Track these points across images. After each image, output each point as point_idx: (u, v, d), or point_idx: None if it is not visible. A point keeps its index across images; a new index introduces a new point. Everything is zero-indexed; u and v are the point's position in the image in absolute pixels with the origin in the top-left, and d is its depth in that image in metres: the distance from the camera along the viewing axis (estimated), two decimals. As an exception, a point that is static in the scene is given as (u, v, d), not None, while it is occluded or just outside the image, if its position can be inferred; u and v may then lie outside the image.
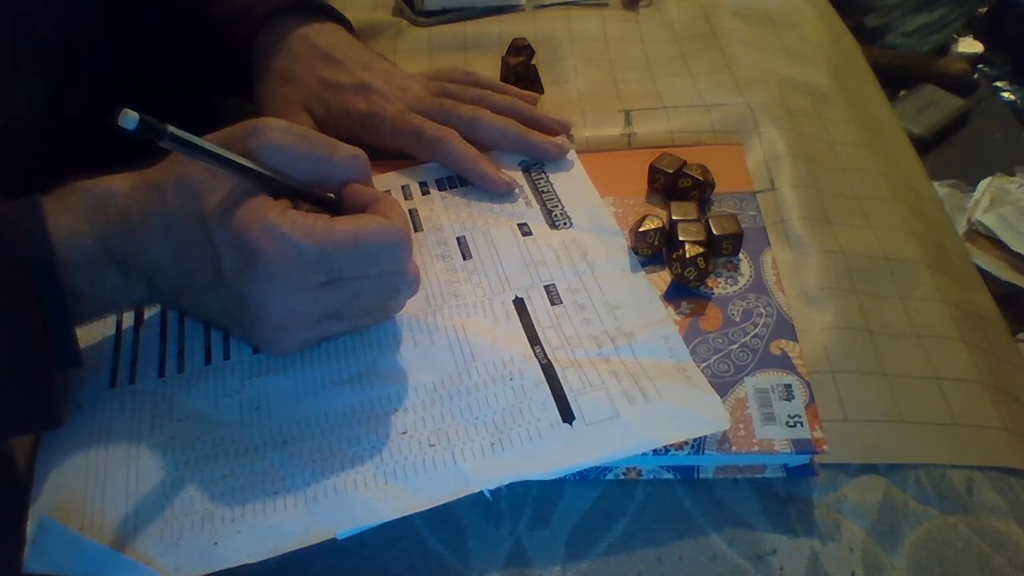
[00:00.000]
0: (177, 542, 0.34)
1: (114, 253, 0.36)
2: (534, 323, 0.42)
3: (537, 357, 0.40)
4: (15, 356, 0.34)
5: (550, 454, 0.37)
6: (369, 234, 0.36)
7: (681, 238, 0.44)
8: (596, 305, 0.43)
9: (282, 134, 0.37)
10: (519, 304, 0.43)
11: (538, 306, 0.43)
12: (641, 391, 0.38)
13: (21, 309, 0.34)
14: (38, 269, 0.34)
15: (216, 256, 0.35)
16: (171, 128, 0.31)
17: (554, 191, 0.50)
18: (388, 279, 0.39)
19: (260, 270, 0.35)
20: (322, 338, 0.41)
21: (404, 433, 0.38)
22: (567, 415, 0.38)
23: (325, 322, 0.39)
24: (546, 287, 0.44)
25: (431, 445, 0.37)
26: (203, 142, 0.33)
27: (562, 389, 0.39)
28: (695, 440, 0.38)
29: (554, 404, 0.38)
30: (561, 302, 0.43)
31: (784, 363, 0.41)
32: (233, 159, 0.35)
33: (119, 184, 0.37)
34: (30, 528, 0.35)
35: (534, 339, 0.41)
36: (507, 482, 0.36)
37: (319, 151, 0.38)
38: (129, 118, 0.29)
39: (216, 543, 0.34)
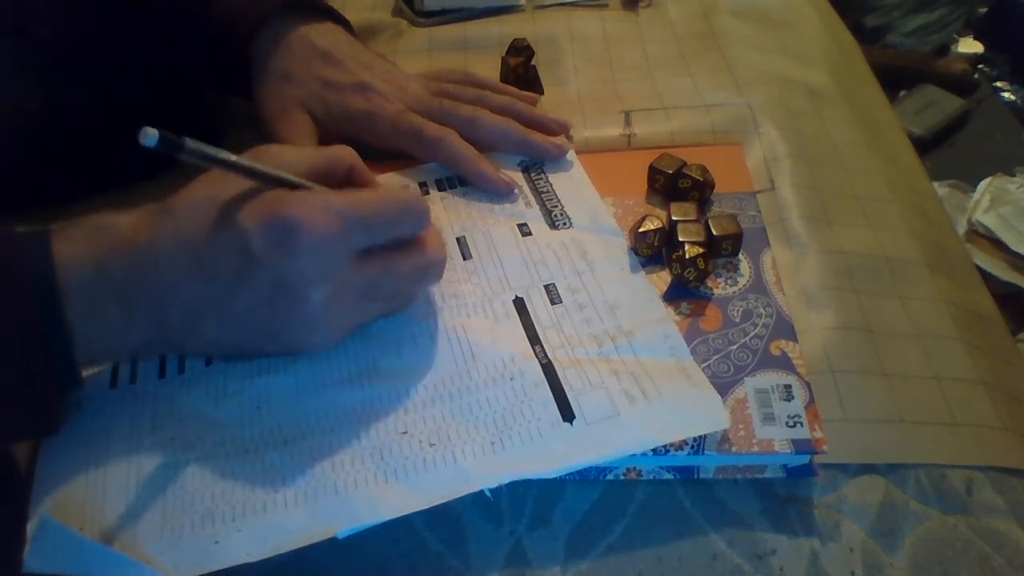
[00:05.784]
0: (178, 541, 0.34)
1: (114, 281, 0.35)
2: (534, 323, 0.42)
3: (537, 357, 0.40)
4: (14, 376, 0.34)
5: (550, 453, 0.37)
6: (391, 193, 0.39)
7: (681, 239, 0.44)
8: (596, 304, 0.43)
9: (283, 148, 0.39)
10: (519, 304, 0.43)
11: (538, 306, 0.43)
12: (641, 390, 0.38)
13: (21, 330, 0.33)
14: (40, 296, 0.34)
15: (244, 241, 0.35)
16: (188, 141, 0.32)
17: (553, 191, 0.50)
18: (417, 257, 0.40)
19: (300, 240, 0.34)
20: (357, 325, 0.40)
21: (404, 432, 0.38)
22: (567, 414, 0.38)
23: (363, 303, 0.39)
24: (546, 287, 0.44)
25: (431, 444, 0.37)
26: (220, 152, 0.34)
27: (562, 388, 0.39)
28: (695, 440, 0.38)
29: (554, 403, 0.38)
30: (561, 301, 0.43)
31: (784, 363, 0.41)
32: (251, 165, 0.36)
33: (122, 216, 0.37)
34: (30, 527, 0.35)
35: (534, 339, 0.41)
36: (507, 481, 0.36)
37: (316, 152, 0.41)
38: (149, 135, 0.30)
39: (216, 542, 0.34)
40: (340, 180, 0.41)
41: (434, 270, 0.41)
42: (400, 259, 0.39)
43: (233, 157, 0.35)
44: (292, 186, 0.37)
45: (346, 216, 0.36)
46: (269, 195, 0.36)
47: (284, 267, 0.35)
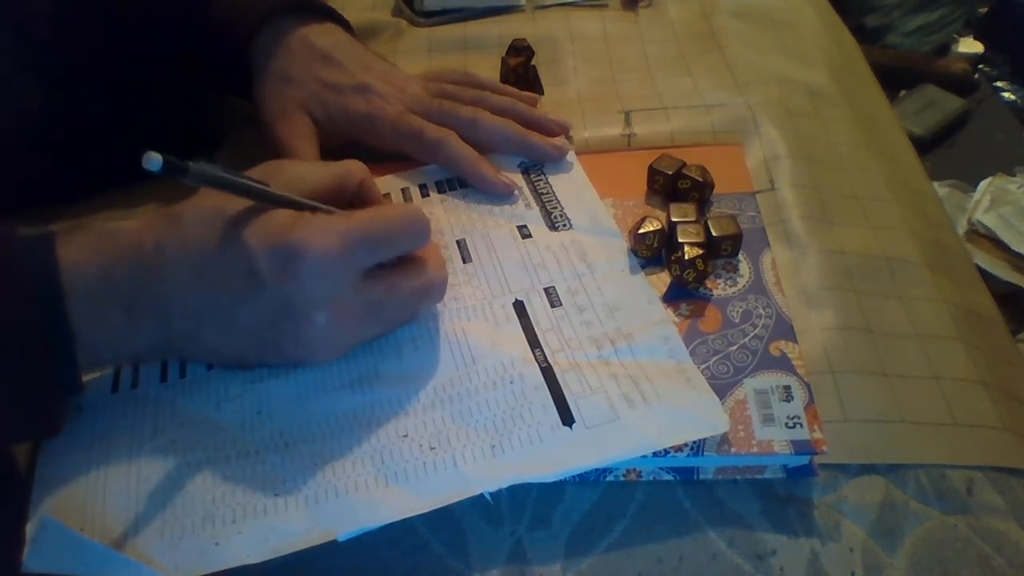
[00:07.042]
0: (178, 542, 0.34)
1: (119, 288, 0.35)
2: (534, 326, 0.42)
3: (537, 360, 0.40)
4: (15, 379, 0.34)
5: (550, 457, 0.37)
6: (391, 208, 0.41)
7: (680, 240, 0.44)
8: (596, 307, 0.43)
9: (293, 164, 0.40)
10: (519, 307, 0.43)
11: (538, 309, 0.43)
12: (641, 394, 0.38)
13: (21, 330, 0.33)
14: (42, 298, 0.34)
15: (250, 261, 0.35)
16: (192, 165, 0.32)
17: (553, 193, 0.50)
18: (419, 277, 0.40)
19: (306, 264, 0.35)
20: (359, 344, 0.41)
21: (405, 436, 0.38)
22: (567, 418, 0.38)
23: (366, 323, 0.39)
24: (546, 289, 0.44)
25: (432, 448, 0.37)
26: (225, 174, 0.34)
27: (562, 392, 0.39)
28: (695, 442, 0.38)
29: (554, 407, 0.38)
30: (561, 304, 0.43)
31: (783, 364, 0.41)
32: (257, 188, 0.36)
33: (129, 223, 0.37)
34: (30, 528, 0.35)
35: (534, 342, 0.41)
36: (507, 485, 0.36)
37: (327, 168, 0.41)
38: (153, 160, 0.31)
39: (217, 543, 0.34)
40: (350, 195, 0.41)
41: (436, 291, 0.41)
42: (402, 280, 0.39)
43: (239, 178, 0.35)
44: (298, 207, 0.37)
45: (349, 236, 0.36)
46: (277, 217, 0.36)
47: (290, 289, 0.35)
